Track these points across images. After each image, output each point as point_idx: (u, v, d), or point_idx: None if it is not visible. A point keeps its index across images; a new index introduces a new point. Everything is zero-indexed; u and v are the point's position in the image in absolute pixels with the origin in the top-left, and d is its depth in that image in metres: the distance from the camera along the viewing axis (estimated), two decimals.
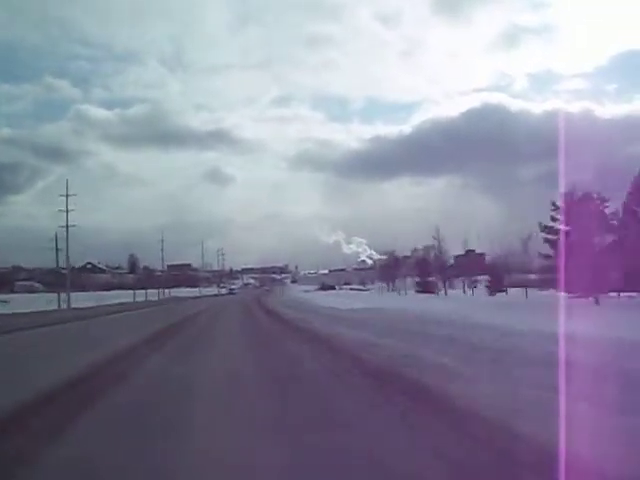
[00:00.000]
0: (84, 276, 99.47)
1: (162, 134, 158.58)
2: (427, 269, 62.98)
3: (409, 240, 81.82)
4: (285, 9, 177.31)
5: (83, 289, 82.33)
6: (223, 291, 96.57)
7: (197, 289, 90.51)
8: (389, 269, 73.98)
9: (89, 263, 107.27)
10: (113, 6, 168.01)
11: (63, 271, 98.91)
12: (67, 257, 49.40)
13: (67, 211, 50.92)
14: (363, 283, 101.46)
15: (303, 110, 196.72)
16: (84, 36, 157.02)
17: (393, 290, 70.62)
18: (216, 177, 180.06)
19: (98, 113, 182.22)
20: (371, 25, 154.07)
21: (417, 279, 65.42)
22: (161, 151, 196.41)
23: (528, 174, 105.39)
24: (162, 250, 79.06)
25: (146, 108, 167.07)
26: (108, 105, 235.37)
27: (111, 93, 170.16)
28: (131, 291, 66.44)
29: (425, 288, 60.40)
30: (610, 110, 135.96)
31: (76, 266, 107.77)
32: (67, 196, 52.22)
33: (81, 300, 46.46)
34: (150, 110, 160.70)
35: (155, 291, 77.39)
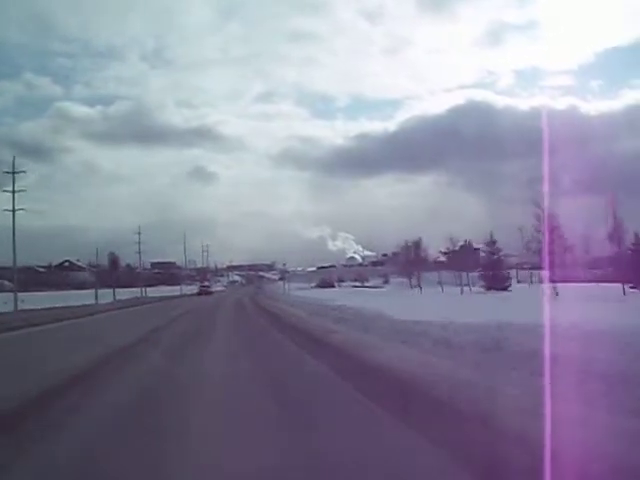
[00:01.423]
0: (62, 274, 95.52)
1: (144, 131, 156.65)
2: (495, 261, 55.19)
3: (397, 236, 77.63)
4: (268, 5, 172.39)
5: (58, 287, 78.22)
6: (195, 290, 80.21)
7: (178, 287, 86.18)
8: (411, 262, 67.85)
9: (67, 261, 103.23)
10: (93, 2, 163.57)
11: (39, 269, 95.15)
12: (14, 250, 43.56)
13: (13, 191, 43.75)
14: (358, 280, 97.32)
15: (287, 107, 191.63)
16: (65, 33, 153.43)
17: (416, 286, 63.37)
18: (200, 174, 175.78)
19: (79, 110, 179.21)
20: (356, 21, 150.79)
21: (482, 272, 56.15)
22: (143, 148, 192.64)
23: (513, 171, 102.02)
24: (139, 243, 74.80)
25: (128, 105, 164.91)
26: (89, 102, 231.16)
27: (92, 90, 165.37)
28: (108, 290, 61.92)
29: (493, 284, 51.67)
30: (595, 106, 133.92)
31: (53, 264, 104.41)
32: (14, 173, 44.44)
33: (36, 301, 41.80)
34: (132, 107, 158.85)
35: (136, 289, 73.13)
